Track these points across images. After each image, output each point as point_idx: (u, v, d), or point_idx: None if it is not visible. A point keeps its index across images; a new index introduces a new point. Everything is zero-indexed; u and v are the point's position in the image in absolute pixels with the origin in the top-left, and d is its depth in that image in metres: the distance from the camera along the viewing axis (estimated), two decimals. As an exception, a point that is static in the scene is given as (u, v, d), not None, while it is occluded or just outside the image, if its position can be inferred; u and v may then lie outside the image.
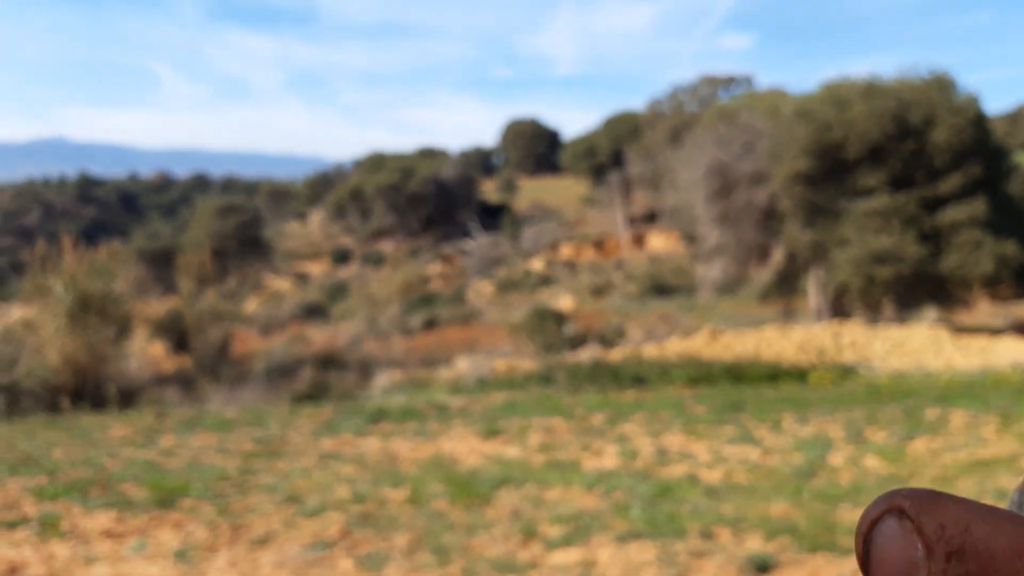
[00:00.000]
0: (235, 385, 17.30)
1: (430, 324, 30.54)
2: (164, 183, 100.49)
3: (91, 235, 42.79)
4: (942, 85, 24.41)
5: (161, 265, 35.94)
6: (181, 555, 5.19)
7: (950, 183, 22.92)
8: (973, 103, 24.24)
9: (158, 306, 25.57)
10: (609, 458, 7.77)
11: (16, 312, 22.16)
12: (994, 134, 25.91)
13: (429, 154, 64.58)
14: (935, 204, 23.10)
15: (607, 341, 21.47)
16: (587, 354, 18.03)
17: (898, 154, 23.15)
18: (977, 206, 22.64)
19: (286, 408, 12.48)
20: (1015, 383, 12.06)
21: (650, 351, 17.83)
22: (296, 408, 12.32)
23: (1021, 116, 73.82)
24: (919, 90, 23.98)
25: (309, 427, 10.02)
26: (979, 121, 24.12)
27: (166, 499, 6.40)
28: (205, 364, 20.14)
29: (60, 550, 5.27)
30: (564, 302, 32.36)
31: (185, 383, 18.33)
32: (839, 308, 24.57)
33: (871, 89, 24.18)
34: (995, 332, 20.71)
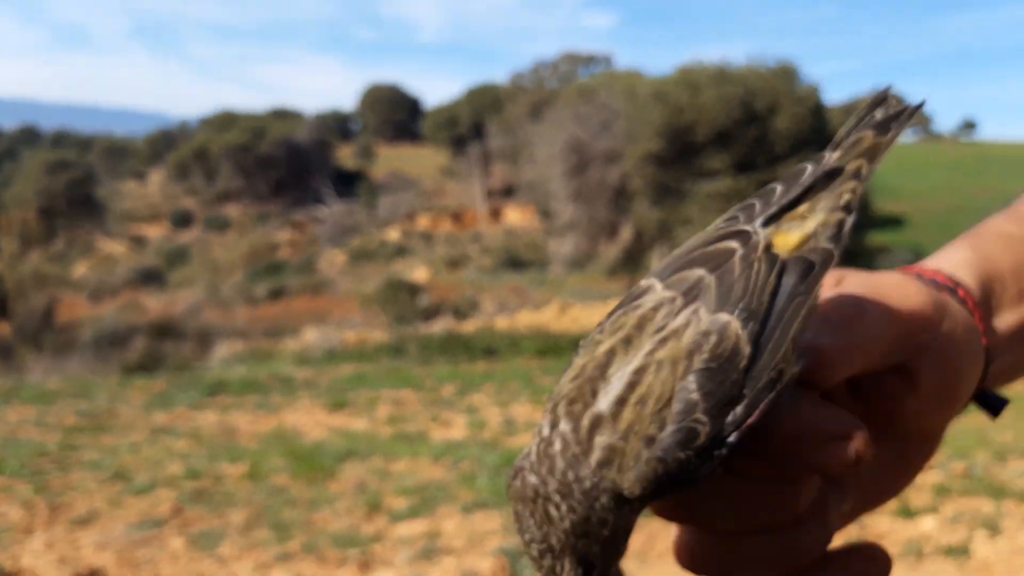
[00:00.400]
0: (59, 354, 16.13)
1: (277, 294, 29.53)
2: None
3: None
4: (787, 74, 25.86)
5: (-22, 223, 32.97)
6: (-13, 538, 4.75)
7: (789, 168, 24.34)
8: (814, 93, 25.82)
9: (-27, 267, 23.43)
10: (457, 429, 7.76)
11: None
12: (832, 123, 27.73)
13: (283, 115, 62.25)
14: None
15: (460, 313, 21.52)
16: (440, 326, 17.99)
17: (743, 139, 24.37)
18: (810, 192, 24.17)
19: (116, 379, 11.73)
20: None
21: (502, 323, 18.00)
22: (127, 380, 11.60)
23: (856, 107, 79.45)
24: (765, 78, 25.29)
25: (140, 400, 9.45)
26: (818, 110, 25.74)
27: (-27, 477, 5.85)
28: (26, 331, 18.68)
29: None
30: (419, 273, 32.17)
31: (3, 351, 16.98)
32: (682, 285, 25.68)
33: (722, 75, 25.27)
34: (820, 310, 22.27)
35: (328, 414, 8.58)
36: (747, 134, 24.31)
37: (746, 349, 0.37)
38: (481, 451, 6.61)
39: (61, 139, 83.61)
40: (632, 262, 28.50)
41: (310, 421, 8.20)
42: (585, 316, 18.37)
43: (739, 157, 24.54)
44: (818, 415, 0.39)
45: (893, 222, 41.61)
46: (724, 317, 0.38)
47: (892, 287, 0.45)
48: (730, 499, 0.40)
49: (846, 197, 0.44)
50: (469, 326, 17.65)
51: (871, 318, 0.42)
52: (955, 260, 0.55)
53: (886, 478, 0.48)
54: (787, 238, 0.42)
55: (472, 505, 5.10)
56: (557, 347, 14.51)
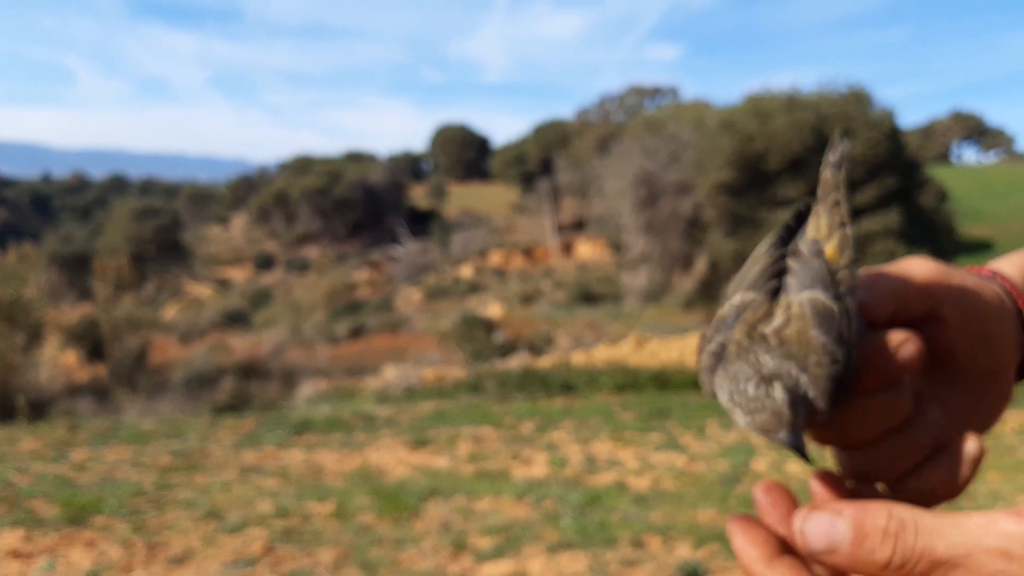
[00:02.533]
0: (152, 395, 16.74)
1: (357, 332, 30.12)
2: (79, 184, 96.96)
3: (1, 238, 40.96)
4: (859, 99, 25.36)
5: (75, 270, 34.66)
6: (94, 575, 4.96)
7: (866, 195, 23.79)
8: (888, 117, 25.24)
9: (72, 313, 24.59)
10: (539, 466, 7.75)
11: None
12: (908, 147, 27.03)
13: (357, 158, 63.88)
14: (852, 215, 23.88)
15: (536, 349, 21.54)
16: (516, 362, 18.04)
17: (817, 166, 23.84)
18: (891, 217, 23.56)
19: (206, 419, 12.10)
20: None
21: (578, 358, 17.96)
22: (217, 419, 11.96)
23: (933, 130, 77.29)
24: (837, 104, 24.85)
25: (230, 439, 9.73)
26: (894, 134, 25.11)
27: (78, 516, 6.11)
28: (121, 373, 19.43)
29: (-40, 573, 4.97)
30: (493, 310, 32.36)
31: (99, 393, 17.66)
32: (760, 316, 25.19)
33: (792, 102, 24.94)
34: (907, 339, 21.53)
35: (410, 452, 8.69)
36: (821, 160, 23.87)
37: (834, 307, 0.51)
38: (564, 489, 6.60)
39: (148, 187, 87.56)
40: (708, 293, 28.10)
41: (393, 459, 8.31)
42: (663, 350, 18.17)
43: (813, 184, 23.88)
44: (881, 336, 0.54)
45: (980, 246, 40.08)
46: (810, 292, 0.52)
47: (909, 262, 0.61)
48: (857, 415, 0.53)
49: (839, 218, 0.59)
50: (545, 362, 17.66)
51: (888, 275, 0.58)
52: (1006, 261, 0.69)
53: (969, 409, 0.61)
54: (826, 248, 0.57)
55: (557, 545, 5.09)
56: (636, 382, 14.38)
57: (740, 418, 0.51)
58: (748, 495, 6.32)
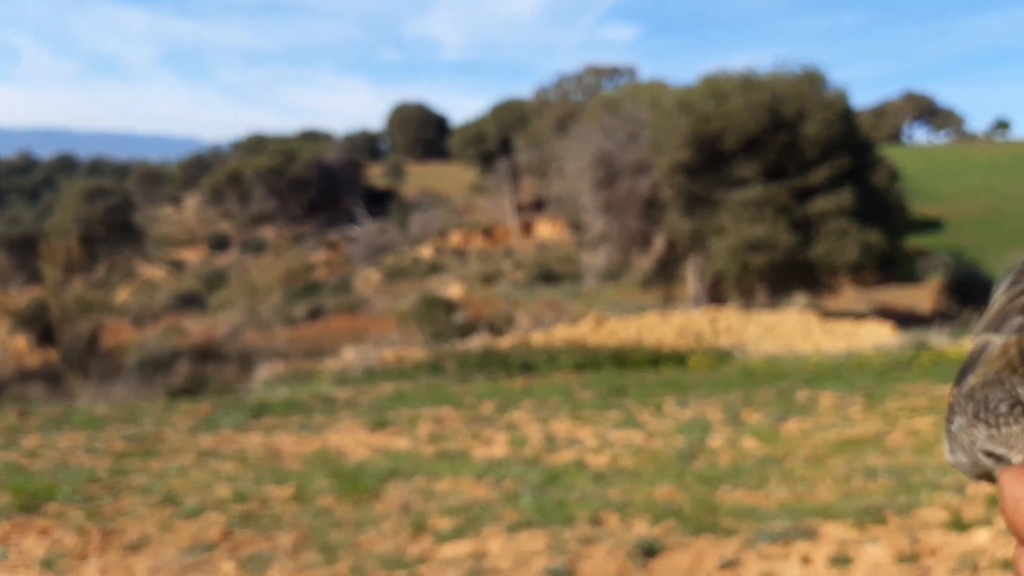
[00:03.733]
0: (106, 379, 16.44)
1: (315, 313, 29.86)
2: (26, 164, 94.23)
3: (-59, 220, 39.69)
4: (813, 80, 25.66)
5: (23, 252, 33.77)
6: (48, 564, 4.87)
7: (820, 174, 24.15)
8: (841, 98, 25.59)
9: (20, 296, 24.00)
10: (499, 446, 7.79)
11: None
12: (860, 128, 27.45)
13: (313, 137, 63.04)
14: (806, 194, 24.29)
15: (496, 329, 21.59)
16: (476, 342, 18.06)
17: (772, 146, 24.19)
18: (844, 196, 23.95)
19: (161, 403, 11.93)
20: (877, 365, 12.84)
21: (538, 338, 18.04)
22: (172, 403, 11.80)
23: (885, 111, 78.49)
24: (792, 84, 25.11)
25: (186, 423, 9.61)
26: (847, 115, 25.48)
27: (31, 504, 5.99)
28: (73, 358, 19.05)
29: (-94, 565, 4.85)
30: (453, 290, 32.32)
31: (51, 378, 17.32)
32: (716, 294, 25.53)
33: (748, 83, 25.14)
34: (859, 316, 22.00)
35: (370, 433, 8.67)
36: (776, 141, 24.15)
37: None
38: (524, 469, 6.64)
39: (97, 167, 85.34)
40: (666, 272, 28.36)
41: (352, 441, 8.29)
42: (621, 328, 18.33)
43: (769, 164, 24.36)
44: None
45: (931, 225, 40.98)
46: None
47: None
48: None
49: None
50: (505, 342, 17.71)
51: None
52: None
53: None
54: None
55: (517, 524, 5.13)
56: (595, 360, 14.49)
57: (981, 432, 0.52)
58: (705, 471, 6.43)
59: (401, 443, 8.11)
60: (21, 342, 22.12)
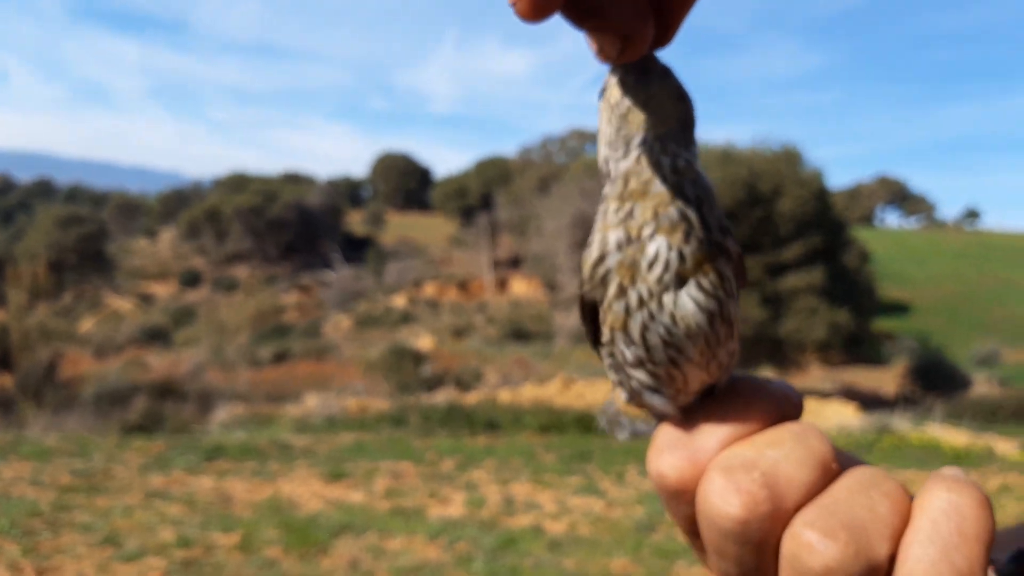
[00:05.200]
0: (60, 410, 16.02)
1: (281, 357, 29.47)
2: (3, 186, 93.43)
3: (-92, 236, 39.13)
4: (790, 157, 26.20)
5: (-12, 274, 33.14)
6: (-29, 604, 4.66)
7: (793, 251, 24.49)
8: (817, 177, 26.12)
9: (-20, 319, 23.47)
10: (456, 506, 7.64)
11: None
12: (834, 208, 27.97)
13: (295, 179, 63.17)
14: (778, 270, 24.60)
15: (463, 384, 21.41)
16: (443, 396, 17.88)
17: (747, 220, 24.56)
18: (815, 275, 24.28)
19: (114, 439, 11.62)
20: (841, 445, 12.84)
21: (505, 396, 17.89)
22: (125, 440, 11.50)
23: (859, 193, 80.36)
24: (770, 161, 25.62)
25: (137, 461, 9.35)
26: (822, 194, 25.98)
27: (-38, 537, 5.76)
28: (28, 385, 18.59)
29: None
30: (424, 342, 32.11)
31: (3, 405, 16.87)
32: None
33: (727, 156, 25.63)
34: (824, 395, 22.11)
35: (325, 484, 8.48)
36: (751, 216, 24.54)
37: None
38: (479, 532, 6.51)
39: (75, 194, 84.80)
40: (636, 338, 28.39)
41: (307, 491, 8.10)
42: (589, 391, 18.25)
43: (743, 239, 24.70)
44: None
45: (898, 308, 41.60)
46: None
47: None
48: None
49: None
50: (472, 397, 17.55)
51: None
52: None
53: None
54: None
55: (467, 588, 5.00)
56: (560, 423, 14.38)
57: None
58: (663, 544, 6.33)
59: (356, 496, 7.94)
60: (-24, 366, 21.58)
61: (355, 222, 62.71)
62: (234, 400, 18.36)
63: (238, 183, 57.31)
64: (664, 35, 0.48)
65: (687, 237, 0.48)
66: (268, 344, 31.23)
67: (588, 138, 52.32)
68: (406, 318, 40.68)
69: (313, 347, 31.62)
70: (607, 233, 0.51)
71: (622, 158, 0.50)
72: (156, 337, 33.34)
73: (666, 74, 0.49)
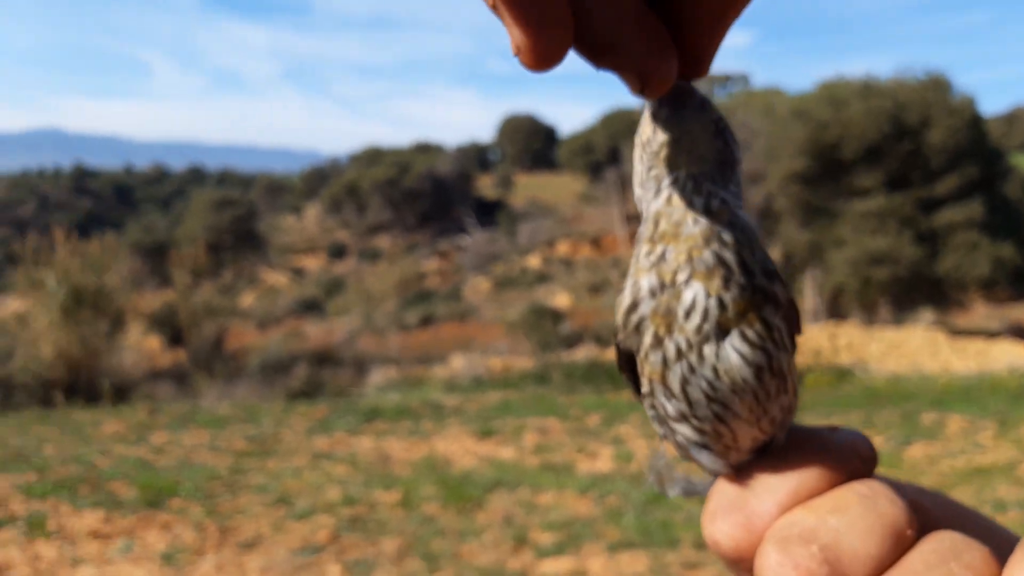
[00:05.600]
0: (230, 381, 17.23)
1: (426, 321, 30.48)
2: (159, 175, 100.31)
3: (86, 227, 42.65)
4: (938, 86, 24.39)
5: (156, 258, 35.84)
6: (168, 558, 5.14)
7: (946, 184, 22.91)
8: (969, 104, 24.22)
9: (153, 300, 25.45)
10: (604, 461, 7.72)
11: (10, 305, 22.07)
12: (991, 135, 25.89)
13: (425, 149, 64.44)
14: (932, 205, 23.08)
15: (603, 340, 21.42)
16: (583, 353, 17.98)
17: (894, 154, 23.12)
18: (974, 208, 22.64)
19: (280, 405, 12.42)
20: (1012, 388, 12.03)
21: (646, 350, 17.76)
22: (290, 405, 12.26)
23: (1018, 117, 73.83)
24: (915, 90, 23.96)
25: (303, 425, 9.96)
26: (975, 122, 24.10)
27: (155, 499, 6.34)
28: (200, 359, 20.04)
29: (46, 550, 5.21)
30: (560, 300, 32.32)
31: (179, 378, 18.24)
32: (835, 309, 24.55)
33: (868, 89, 24.14)
34: (992, 335, 20.69)
35: (476, 442, 8.75)
36: (899, 149, 23.04)
37: None
38: (628, 486, 6.55)
39: (224, 178, 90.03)
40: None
41: (459, 449, 8.39)
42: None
43: (892, 174, 23.28)
44: None
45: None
46: None
47: None
48: None
49: None
50: (612, 353, 17.56)
51: None
52: None
53: None
54: None
55: (618, 544, 5.06)
56: (703, 375, 14.16)
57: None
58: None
59: (506, 453, 8.15)
60: (153, 343, 23.48)
61: (485, 186, 63.41)
62: (386, 364, 19.19)
63: (373, 157, 59.11)
64: (696, 67, 0.45)
65: (726, 283, 0.45)
66: (413, 309, 32.33)
67: (716, 81, 50.48)
68: (542, 278, 41.00)
69: (455, 310, 32.48)
70: (639, 278, 0.47)
71: (653, 198, 0.47)
72: (310, 308, 35.18)
73: (702, 108, 0.45)
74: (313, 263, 51.88)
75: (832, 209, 24.07)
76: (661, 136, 0.46)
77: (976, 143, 23.65)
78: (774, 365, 0.46)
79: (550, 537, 5.26)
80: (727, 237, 0.45)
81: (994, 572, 0.41)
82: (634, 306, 0.48)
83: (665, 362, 0.46)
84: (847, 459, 0.47)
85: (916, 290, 23.40)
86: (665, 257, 0.45)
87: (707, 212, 0.45)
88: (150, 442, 8.94)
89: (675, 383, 0.46)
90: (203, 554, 5.25)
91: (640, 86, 0.43)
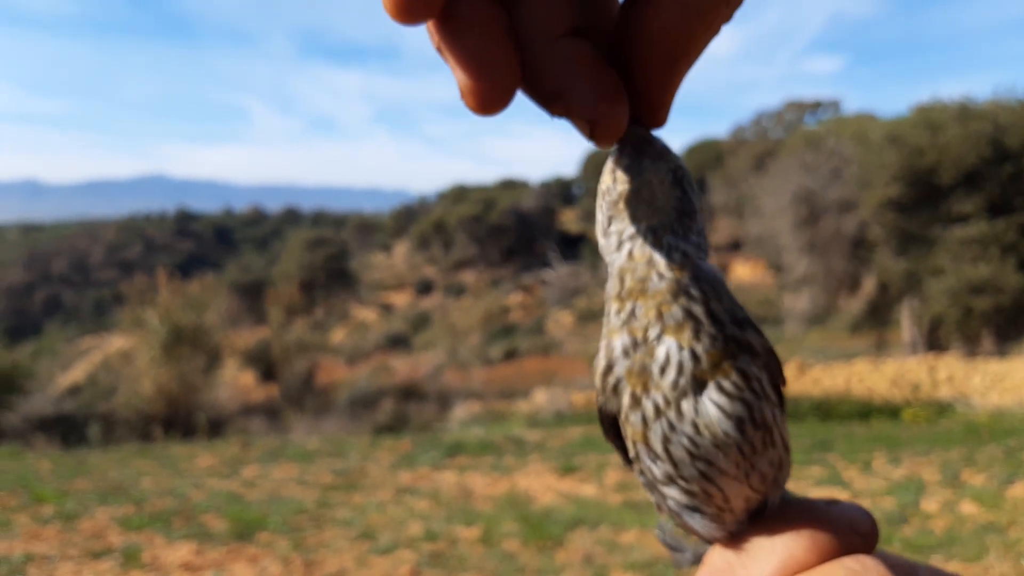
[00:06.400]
0: (319, 415, 17.65)
1: (510, 354, 30.60)
2: (257, 217, 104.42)
3: (188, 268, 44.61)
4: (1042, 107, 23.30)
5: (252, 297, 37.18)
6: (255, 590, 5.26)
7: (1052, 207, 21.77)
8: (1076, 125, 23.02)
9: (248, 337, 26.37)
10: (688, 498, 7.54)
11: (115, 343, 23.22)
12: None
13: (510, 185, 65.15)
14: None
15: (689, 374, 21.03)
16: (668, 387, 17.66)
17: (995, 179, 22.14)
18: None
19: (367, 439, 12.62)
20: None
21: (734, 384, 17.34)
22: (376, 439, 12.45)
23: None
24: (1017, 113, 22.94)
25: (388, 459, 10.10)
26: (1086, 143, 22.87)
27: (244, 532, 6.51)
28: (291, 394, 20.61)
29: (142, 581, 5.40)
30: (646, 333, 31.88)
31: (271, 412, 18.78)
32: (935, 340, 23.49)
33: (965, 112, 23.26)
34: (1109, 366, 19.39)
35: (558, 478, 8.69)
36: (999, 173, 22.04)
37: None
38: (712, 523, 6.38)
39: (319, 219, 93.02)
40: (878, 316, 26.52)
41: (541, 485, 8.35)
42: (827, 377, 17.29)
43: (992, 199, 22.25)
44: None
45: None
46: None
47: None
48: None
49: None
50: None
51: None
52: None
53: None
54: None
55: (703, 581, 4.92)
56: (796, 411, 13.76)
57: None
58: (916, 538, 5.88)
59: (588, 490, 8.07)
60: (248, 378, 24.27)
61: (569, 220, 63.57)
62: (470, 398, 19.33)
63: (459, 194, 60.13)
64: (653, 116, 0.45)
65: (697, 335, 0.44)
66: (497, 344, 32.52)
67: (806, 108, 49.55)
68: (628, 311, 40.66)
69: (539, 344, 32.50)
70: (612, 338, 0.47)
71: (615, 251, 0.47)
72: (398, 343, 35.81)
73: (660, 156, 0.45)
74: (401, 299, 52.89)
75: (929, 237, 23.15)
76: (620, 186, 0.46)
77: (1086, 165, 22.42)
78: (756, 416, 0.45)
79: (631, 576, 5.16)
80: (694, 291, 0.45)
81: None
82: (609, 367, 0.47)
83: (645, 421, 0.46)
84: (843, 534, 0.46)
85: (1021, 320, 22.18)
86: (635, 314, 0.45)
87: (670, 267, 0.45)
88: (241, 476, 9.21)
89: (657, 442, 0.46)
90: (288, 587, 5.35)
91: (589, 133, 0.43)
